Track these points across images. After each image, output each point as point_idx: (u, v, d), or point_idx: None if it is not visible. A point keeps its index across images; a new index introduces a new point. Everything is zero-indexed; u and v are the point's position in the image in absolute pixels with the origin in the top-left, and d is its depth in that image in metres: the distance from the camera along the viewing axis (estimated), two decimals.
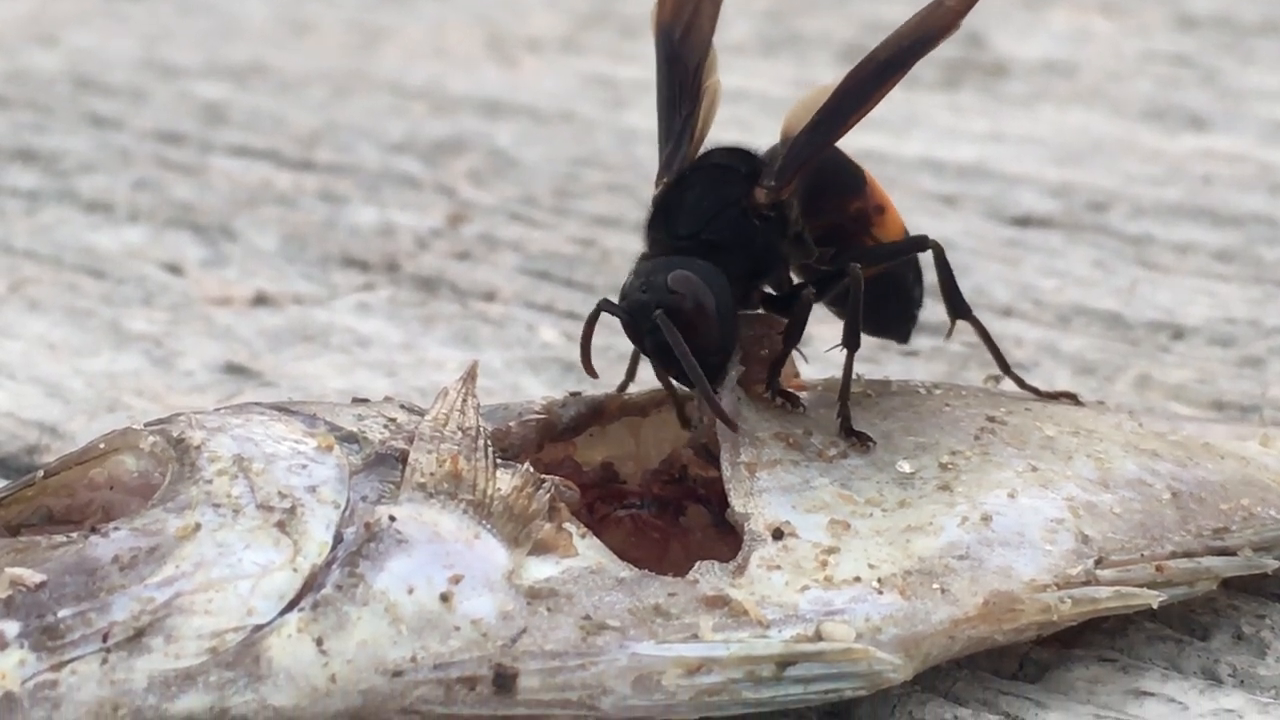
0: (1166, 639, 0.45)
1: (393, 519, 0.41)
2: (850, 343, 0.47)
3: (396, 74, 1.02)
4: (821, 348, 0.49)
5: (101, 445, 0.43)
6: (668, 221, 0.47)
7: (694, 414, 0.47)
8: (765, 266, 0.47)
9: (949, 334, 0.52)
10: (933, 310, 0.52)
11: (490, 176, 0.84)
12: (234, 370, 0.63)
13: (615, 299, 0.46)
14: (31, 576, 0.39)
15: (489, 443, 0.43)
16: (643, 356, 0.47)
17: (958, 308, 0.50)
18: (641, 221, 0.48)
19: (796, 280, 0.48)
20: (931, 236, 0.49)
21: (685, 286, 0.45)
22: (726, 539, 0.44)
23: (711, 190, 0.47)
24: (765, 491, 0.44)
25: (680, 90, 0.49)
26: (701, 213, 0.47)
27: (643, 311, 0.45)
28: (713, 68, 0.50)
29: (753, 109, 0.90)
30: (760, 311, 0.47)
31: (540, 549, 0.41)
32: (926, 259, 0.49)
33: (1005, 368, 0.51)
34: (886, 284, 0.49)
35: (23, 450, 0.58)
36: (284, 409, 0.44)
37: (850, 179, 0.49)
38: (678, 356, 0.44)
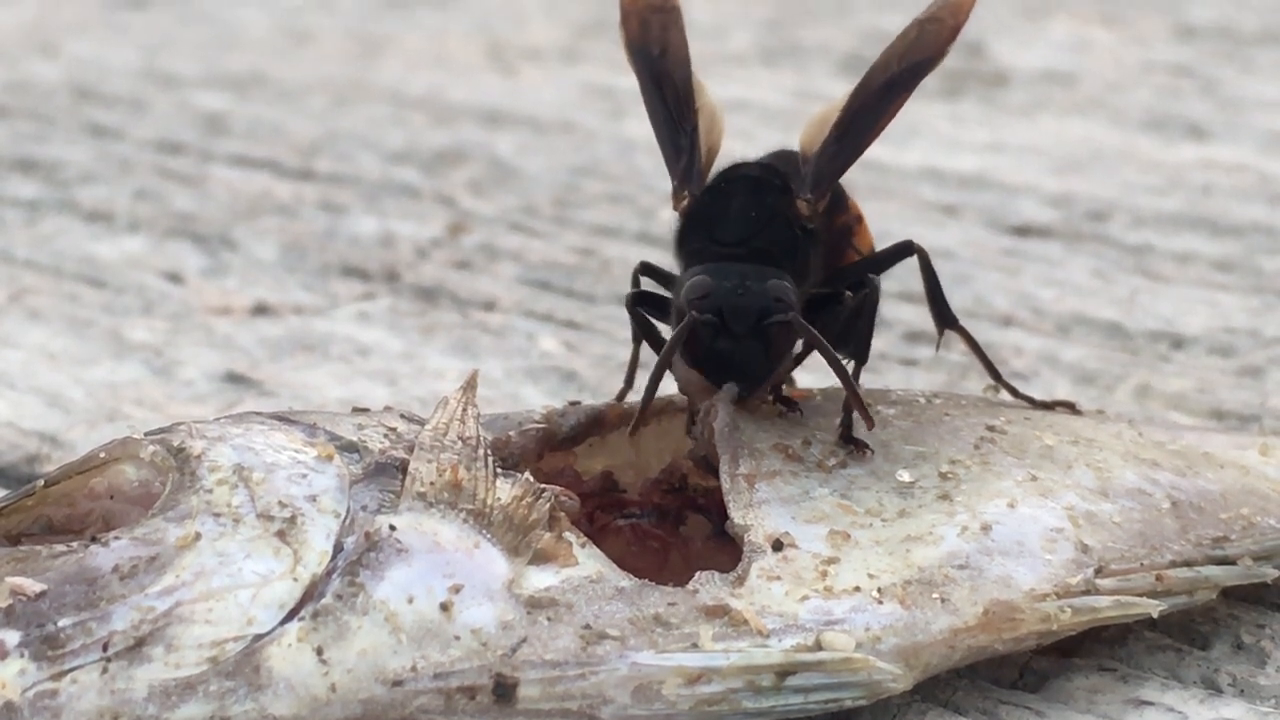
0: (1166, 648, 0.45)
1: (393, 528, 0.41)
2: (860, 355, 0.47)
3: (396, 84, 1.02)
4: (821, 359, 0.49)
5: (102, 454, 0.43)
6: (712, 230, 0.46)
7: (694, 424, 0.47)
8: (801, 281, 0.46)
9: (938, 346, 0.52)
10: (930, 319, 0.52)
11: (490, 186, 0.84)
12: (234, 380, 0.63)
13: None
14: (32, 586, 0.39)
15: (489, 452, 0.43)
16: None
17: (945, 317, 0.50)
18: (674, 231, 0.47)
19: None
20: (922, 245, 0.49)
21: (786, 295, 0.44)
22: (727, 548, 0.44)
23: (756, 200, 0.46)
24: (765, 503, 0.44)
25: (678, 108, 0.49)
26: (750, 221, 0.46)
27: (742, 316, 0.44)
28: (701, 89, 0.49)
29: (753, 119, 0.90)
30: None
31: (540, 558, 0.41)
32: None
33: (996, 376, 0.51)
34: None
35: (23, 460, 0.58)
36: (284, 418, 0.44)
37: (835, 194, 0.48)
38: (821, 354, 0.43)
